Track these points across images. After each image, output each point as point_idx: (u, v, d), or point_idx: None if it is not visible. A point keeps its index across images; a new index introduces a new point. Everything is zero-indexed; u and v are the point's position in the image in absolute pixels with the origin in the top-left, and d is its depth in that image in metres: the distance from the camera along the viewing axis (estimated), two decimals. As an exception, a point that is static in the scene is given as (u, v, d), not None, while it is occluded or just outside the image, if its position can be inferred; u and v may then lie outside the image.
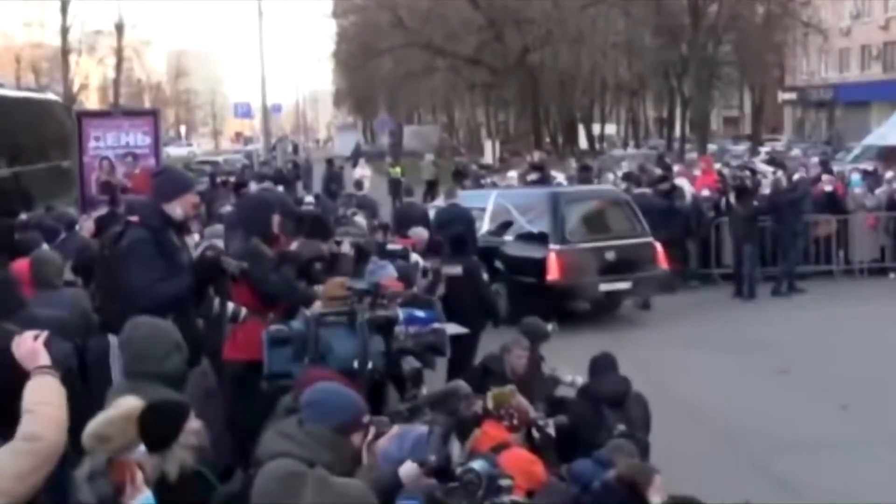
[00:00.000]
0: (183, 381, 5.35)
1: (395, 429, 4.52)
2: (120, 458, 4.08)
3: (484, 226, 16.16)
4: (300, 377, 5.10)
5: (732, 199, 18.48)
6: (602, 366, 7.65)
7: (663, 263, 16.00)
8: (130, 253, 6.05)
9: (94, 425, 4.20)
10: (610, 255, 15.43)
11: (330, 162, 34.21)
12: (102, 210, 13.93)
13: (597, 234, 15.94)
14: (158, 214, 6.27)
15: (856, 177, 21.96)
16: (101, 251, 6.56)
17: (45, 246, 9.92)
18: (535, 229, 15.72)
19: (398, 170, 35.71)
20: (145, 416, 4.29)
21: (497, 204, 16.75)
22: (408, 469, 4.19)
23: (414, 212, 15.15)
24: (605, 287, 15.44)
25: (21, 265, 7.81)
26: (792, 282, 17.93)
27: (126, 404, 4.36)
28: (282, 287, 6.86)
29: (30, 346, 3.92)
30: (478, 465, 3.90)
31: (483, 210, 16.43)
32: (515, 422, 6.21)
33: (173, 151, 63.25)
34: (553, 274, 14.95)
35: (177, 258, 6.20)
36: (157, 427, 4.30)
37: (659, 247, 15.94)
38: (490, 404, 6.08)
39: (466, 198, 16.54)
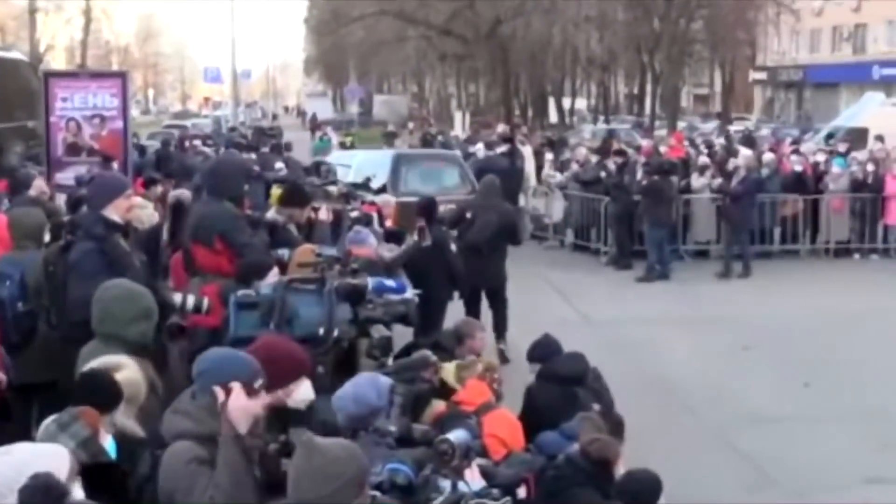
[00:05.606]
0: (147, 348, 5.25)
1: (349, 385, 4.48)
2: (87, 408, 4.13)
3: (349, 178, 17.55)
4: (254, 343, 5.04)
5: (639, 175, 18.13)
6: (549, 347, 7.42)
7: None
8: (77, 266, 6.09)
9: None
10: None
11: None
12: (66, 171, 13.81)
13: (429, 190, 17.29)
14: (101, 222, 6.23)
15: (822, 157, 21.83)
16: (48, 268, 6.38)
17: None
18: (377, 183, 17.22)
19: (350, 138, 36.97)
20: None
21: (359, 162, 19.40)
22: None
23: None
24: None
25: None
26: (746, 263, 17.64)
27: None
28: (260, 254, 6.77)
29: None
30: (453, 435, 3.89)
31: (349, 166, 18.68)
32: (496, 386, 6.15)
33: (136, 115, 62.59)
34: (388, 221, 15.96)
35: (124, 264, 6.13)
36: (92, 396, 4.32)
37: None
38: (480, 366, 6.08)
39: (339, 156, 20.07)
